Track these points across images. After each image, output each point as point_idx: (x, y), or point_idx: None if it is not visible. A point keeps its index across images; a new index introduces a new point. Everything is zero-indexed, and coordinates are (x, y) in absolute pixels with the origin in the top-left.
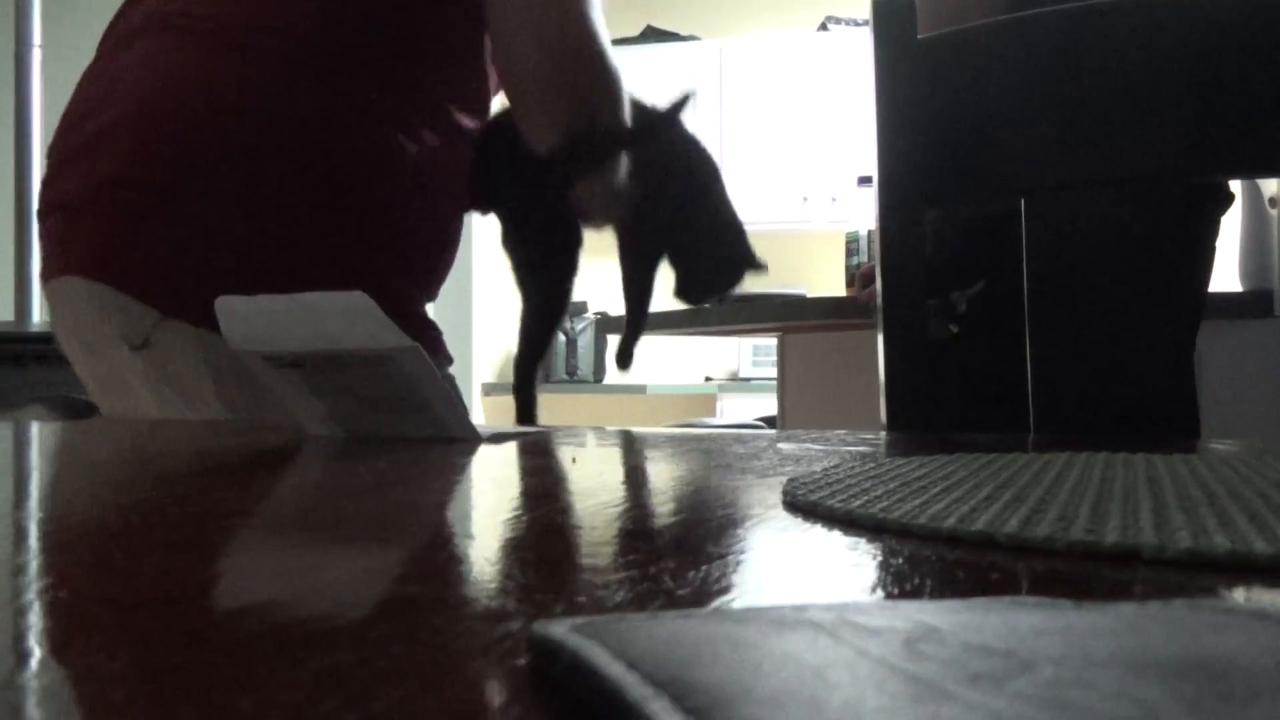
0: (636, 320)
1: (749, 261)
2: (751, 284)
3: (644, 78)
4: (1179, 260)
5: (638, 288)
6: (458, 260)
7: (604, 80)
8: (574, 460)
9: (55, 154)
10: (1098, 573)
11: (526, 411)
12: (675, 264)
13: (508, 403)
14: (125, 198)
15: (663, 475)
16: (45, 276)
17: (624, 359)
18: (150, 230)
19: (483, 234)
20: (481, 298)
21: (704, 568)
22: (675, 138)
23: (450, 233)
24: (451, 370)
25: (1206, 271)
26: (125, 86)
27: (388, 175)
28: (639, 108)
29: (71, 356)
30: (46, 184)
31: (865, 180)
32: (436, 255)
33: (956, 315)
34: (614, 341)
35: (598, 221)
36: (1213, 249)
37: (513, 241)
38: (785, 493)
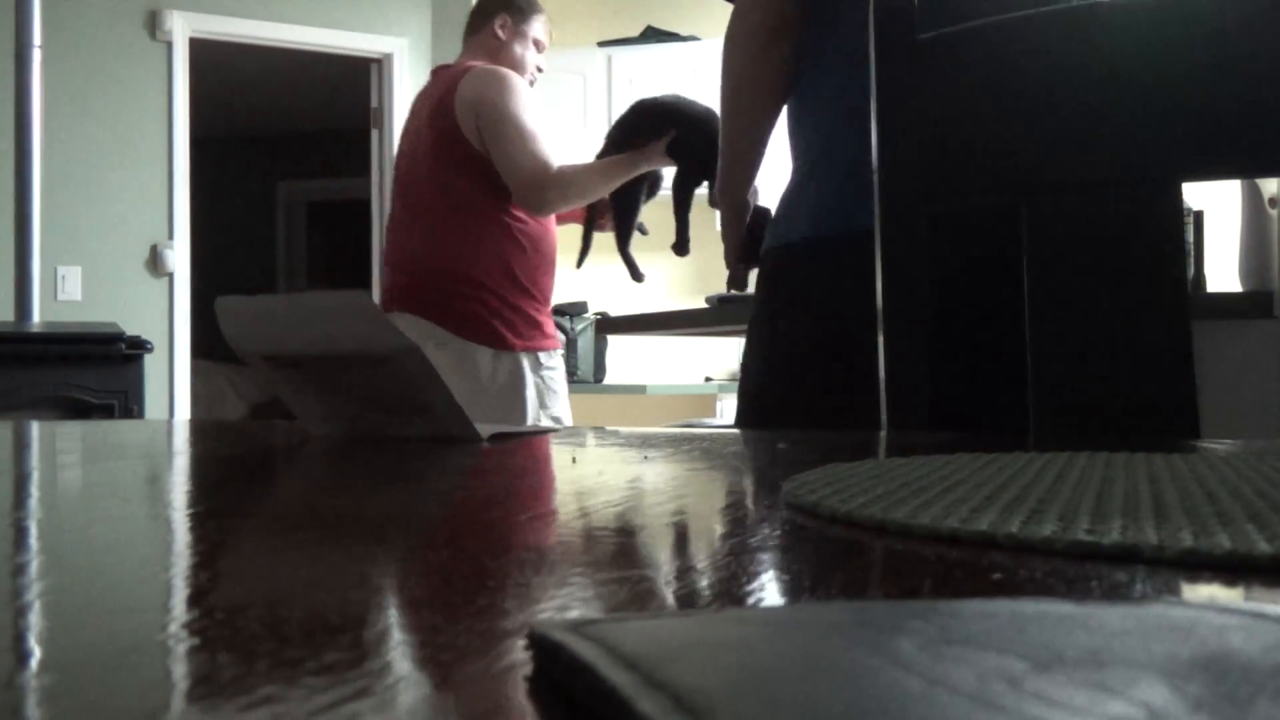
0: (684, 225)
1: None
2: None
3: (644, 78)
4: (1165, 252)
5: (680, 200)
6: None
7: (560, 185)
8: (574, 460)
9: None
10: (1098, 573)
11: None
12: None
13: None
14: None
15: (663, 475)
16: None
17: (682, 247)
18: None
19: None
20: None
21: (704, 568)
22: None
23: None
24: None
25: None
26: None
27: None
28: (675, 109)
29: None
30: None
31: None
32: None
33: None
34: (614, 340)
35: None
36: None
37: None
38: (785, 493)
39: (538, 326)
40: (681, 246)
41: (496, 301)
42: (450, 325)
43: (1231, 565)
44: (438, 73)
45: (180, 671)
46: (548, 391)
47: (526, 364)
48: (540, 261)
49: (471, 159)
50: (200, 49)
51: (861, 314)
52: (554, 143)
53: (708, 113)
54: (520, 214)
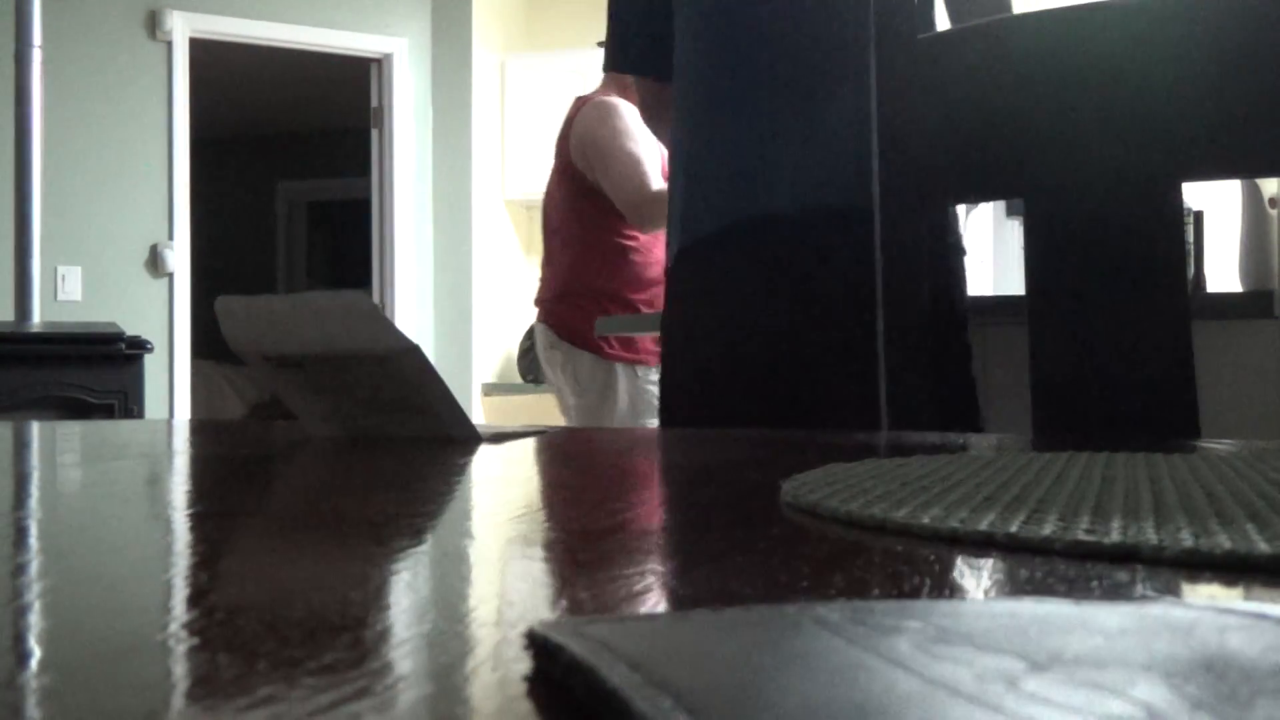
0: None
1: None
2: None
3: None
4: (1165, 252)
5: None
6: (458, 262)
7: (653, 210)
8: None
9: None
10: (1098, 573)
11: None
12: None
13: (508, 403)
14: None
15: (663, 475)
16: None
17: None
18: None
19: (482, 237)
20: (481, 298)
21: (704, 568)
22: None
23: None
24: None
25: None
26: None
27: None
28: None
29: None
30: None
31: None
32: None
33: None
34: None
35: None
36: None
37: None
38: (785, 493)
39: (635, 340)
40: None
41: (597, 312)
42: (559, 332)
43: (1231, 565)
44: (575, 102)
45: (180, 671)
46: (645, 404)
47: (622, 374)
48: (653, 277)
49: (584, 186)
50: (200, 49)
51: (709, 327)
52: (657, 164)
53: None
54: (632, 232)
